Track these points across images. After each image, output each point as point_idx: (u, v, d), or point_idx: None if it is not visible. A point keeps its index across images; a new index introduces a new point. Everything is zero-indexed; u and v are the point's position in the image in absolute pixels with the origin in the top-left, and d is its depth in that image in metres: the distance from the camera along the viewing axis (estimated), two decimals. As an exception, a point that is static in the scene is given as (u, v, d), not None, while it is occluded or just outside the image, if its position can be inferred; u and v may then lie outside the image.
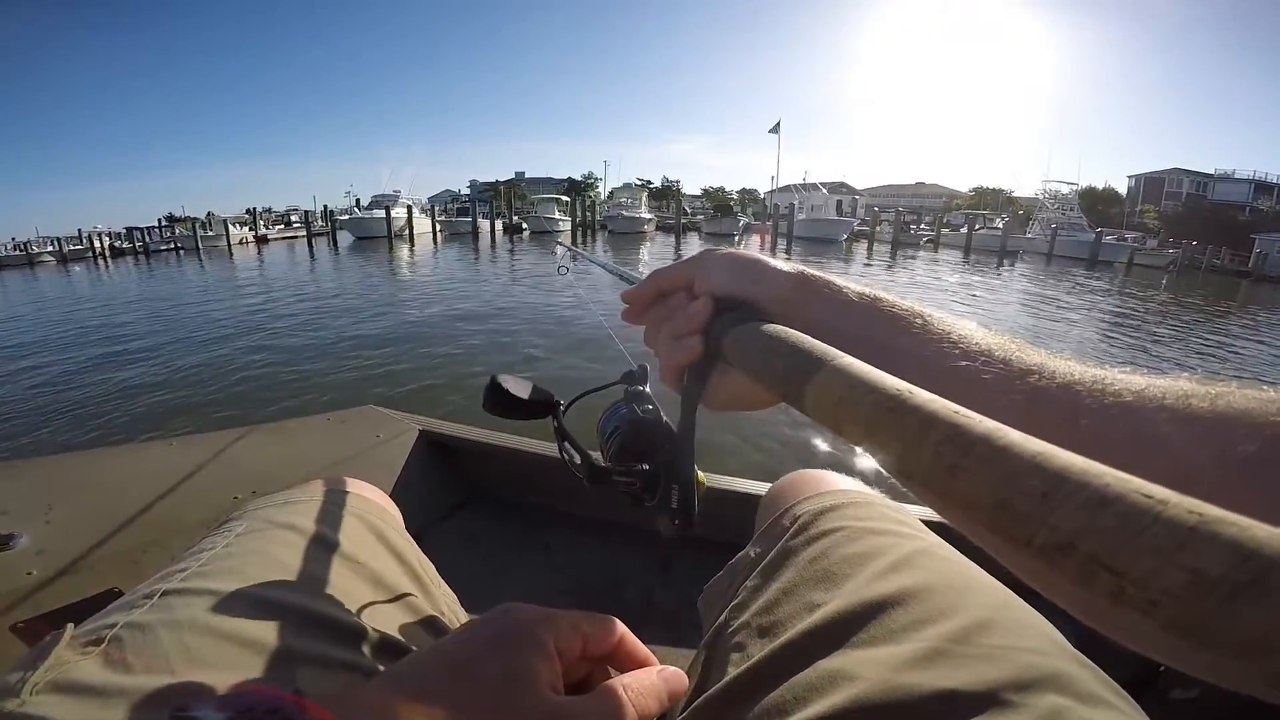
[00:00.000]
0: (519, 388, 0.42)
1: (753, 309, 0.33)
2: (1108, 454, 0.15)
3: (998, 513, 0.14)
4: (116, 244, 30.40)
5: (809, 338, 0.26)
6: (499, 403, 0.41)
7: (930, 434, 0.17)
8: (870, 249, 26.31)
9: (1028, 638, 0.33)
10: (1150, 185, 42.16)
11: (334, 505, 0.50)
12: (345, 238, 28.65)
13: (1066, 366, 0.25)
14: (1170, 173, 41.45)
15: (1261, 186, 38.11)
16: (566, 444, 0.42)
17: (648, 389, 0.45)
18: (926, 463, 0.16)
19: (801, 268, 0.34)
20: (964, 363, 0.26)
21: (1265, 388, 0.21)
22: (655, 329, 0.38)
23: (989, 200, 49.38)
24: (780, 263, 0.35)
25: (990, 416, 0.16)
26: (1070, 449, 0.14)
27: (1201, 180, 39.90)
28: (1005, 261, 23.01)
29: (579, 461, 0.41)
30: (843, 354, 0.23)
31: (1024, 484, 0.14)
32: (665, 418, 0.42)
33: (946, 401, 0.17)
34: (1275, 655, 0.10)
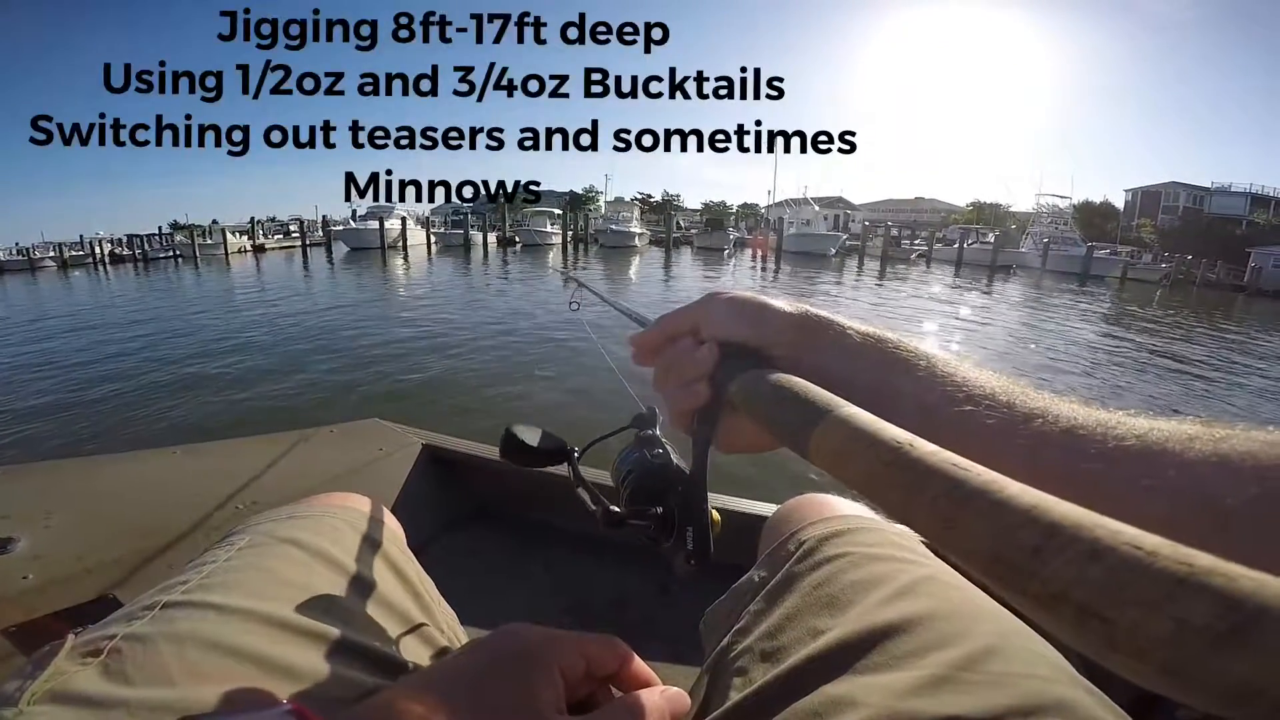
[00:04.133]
0: (534, 437, 0.43)
1: (757, 354, 0.33)
2: (1109, 499, 0.15)
3: (993, 564, 0.15)
4: (117, 251, 30.79)
5: (812, 386, 0.26)
6: (516, 452, 0.42)
7: (928, 488, 0.17)
8: (861, 264, 26.33)
9: (1033, 664, 0.32)
10: (1147, 199, 42.05)
11: (336, 521, 0.50)
12: (341, 248, 28.97)
13: (1070, 410, 0.25)
14: (1167, 186, 41.33)
15: (1258, 200, 37.92)
16: (582, 490, 0.43)
17: (658, 432, 0.46)
18: (924, 516, 0.17)
19: (806, 308, 0.34)
20: (968, 408, 0.26)
21: (1272, 430, 0.21)
22: (663, 374, 0.38)
23: (986, 215, 49.36)
24: (784, 304, 0.35)
25: (993, 462, 0.16)
26: (1072, 494, 0.14)
27: (1198, 193, 39.76)
28: (997, 277, 22.92)
29: (595, 507, 0.41)
30: (845, 403, 0.23)
31: (1017, 538, 0.14)
32: (676, 459, 0.43)
33: (946, 454, 0.18)
34: (1255, 701, 0.10)
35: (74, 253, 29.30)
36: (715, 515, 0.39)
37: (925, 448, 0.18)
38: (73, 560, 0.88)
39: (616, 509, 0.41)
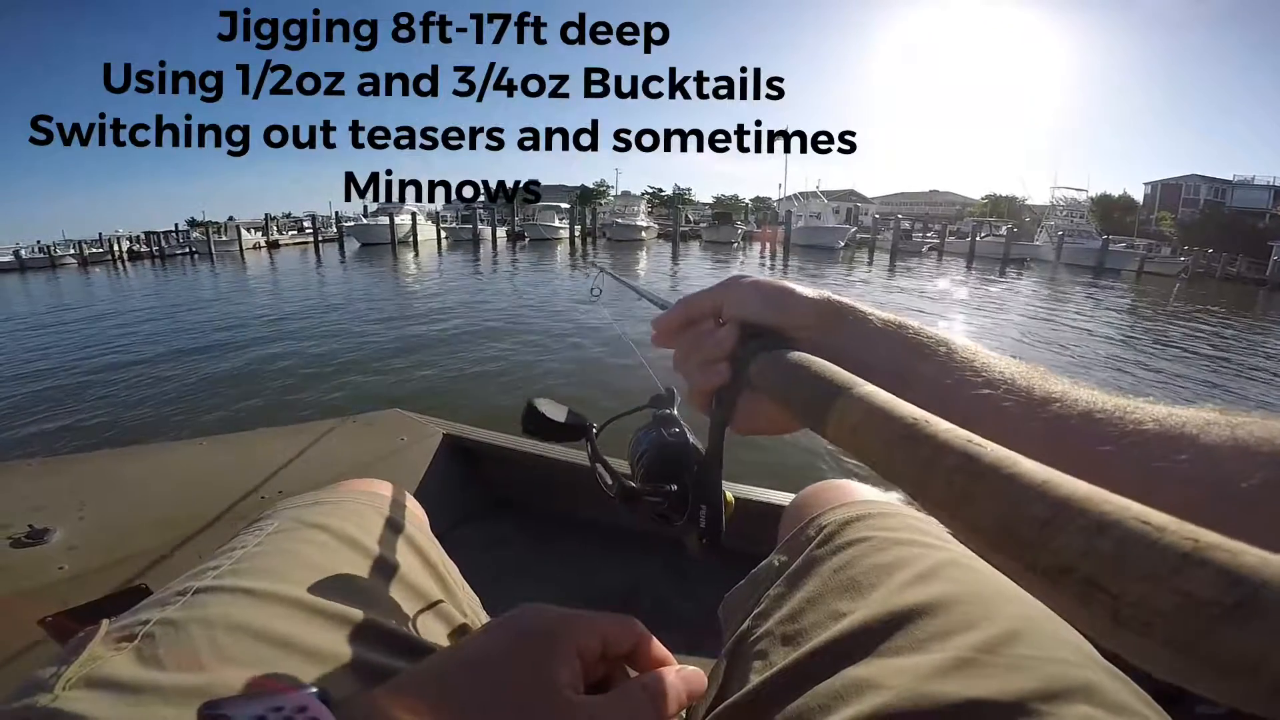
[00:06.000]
0: (555, 411, 0.44)
1: (778, 336, 0.34)
2: (1123, 481, 0.15)
3: (1004, 537, 0.15)
4: (135, 248, 31.31)
5: (831, 365, 0.26)
6: (536, 426, 0.43)
7: (943, 462, 0.17)
8: (871, 257, 26.08)
9: (1057, 648, 0.32)
10: (1167, 192, 41.12)
11: (363, 507, 0.51)
12: (352, 243, 29.29)
13: (1089, 395, 0.25)
14: (1187, 179, 40.41)
15: (1282, 193, 36.98)
16: (599, 465, 0.44)
17: (675, 412, 0.46)
18: (939, 489, 0.17)
19: (828, 294, 0.35)
20: (985, 391, 0.27)
21: None
22: (684, 354, 0.39)
23: (1001, 208, 48.54)
24: (807, 289, 0.35)
25: (1009, 445, 0.17)
26: (1087, 477, 0.14)
27: (1219, 186, 38.85)
28: (1010, 270, 22.58)
29: (611, 482, 0.42)
30: (864, 382, 0.23)
31: (1028, 511, 0.14)
32: (693, 439, 0.43)
33: (960, 430, 0.18)
34: (1259, 674, 0.10)
35: (93, 250, 29.84)
36: (730, 497, 0.39)
37: (940, 424, 0.19)
38: (105, 551, 0.91)
39: (632, 484, 0.41)
